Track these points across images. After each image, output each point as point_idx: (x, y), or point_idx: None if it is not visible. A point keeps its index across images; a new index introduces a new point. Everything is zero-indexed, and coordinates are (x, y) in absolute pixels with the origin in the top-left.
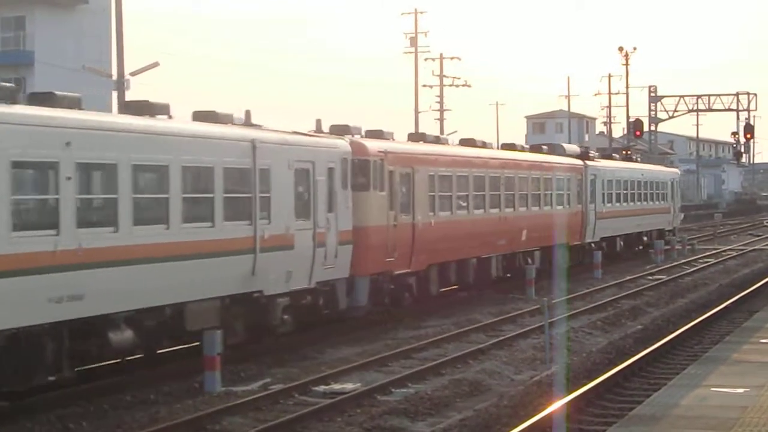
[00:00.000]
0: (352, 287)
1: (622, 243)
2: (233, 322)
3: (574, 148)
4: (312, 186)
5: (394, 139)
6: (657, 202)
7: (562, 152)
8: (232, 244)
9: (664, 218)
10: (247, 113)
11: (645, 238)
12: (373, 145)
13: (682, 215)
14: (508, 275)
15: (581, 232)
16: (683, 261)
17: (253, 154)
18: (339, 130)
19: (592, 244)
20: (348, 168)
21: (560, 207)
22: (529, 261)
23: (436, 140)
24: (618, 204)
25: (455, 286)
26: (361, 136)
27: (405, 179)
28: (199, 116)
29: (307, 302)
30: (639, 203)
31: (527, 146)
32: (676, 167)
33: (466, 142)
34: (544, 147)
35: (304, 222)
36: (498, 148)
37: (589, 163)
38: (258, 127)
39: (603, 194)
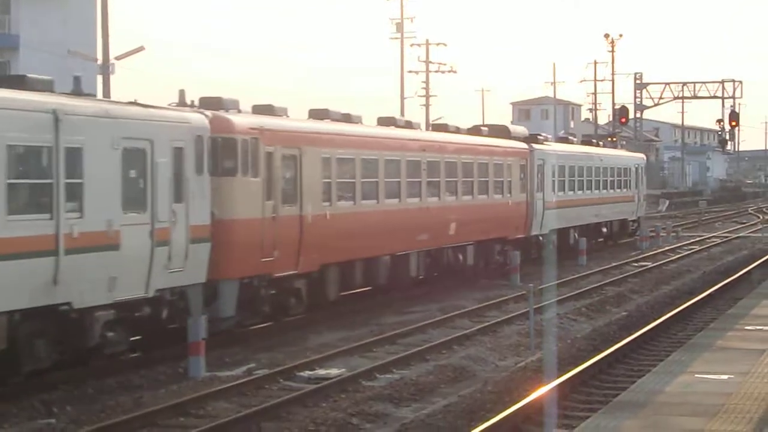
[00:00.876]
0: (214, 295)
1: (576, 235)
2: (30, 343)
3: (520, 130)
4: (150, 170)
5: (288, 116)
6: (618, 190)
7: (507, 134)
8: (21, 245)
9: (627, 207)
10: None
11: (605, 230)
12: (243, 120)
13: (662, 205)
14: (435, 274)
15: (526, 224)
16: (668, 248)
17: (56, 129)
18: (210, 104)
19: (540, 238)
20: (204, 148)
21: (499, 196)
22: (460, 257)
23: (346, 118)
24: (572, 192)
25: (365, 288)
26: (238, 111)
27: (289, 162)
28: None
29: (143, 315)
30: (597, 191)
31: (463, 128)
32: (641, 154)
33: (385, 121)
34: (484, 128)
35: (136, 215)
36: (429, 129)
37: (535, 146)
38: (76, 96)
39: (553, 182)
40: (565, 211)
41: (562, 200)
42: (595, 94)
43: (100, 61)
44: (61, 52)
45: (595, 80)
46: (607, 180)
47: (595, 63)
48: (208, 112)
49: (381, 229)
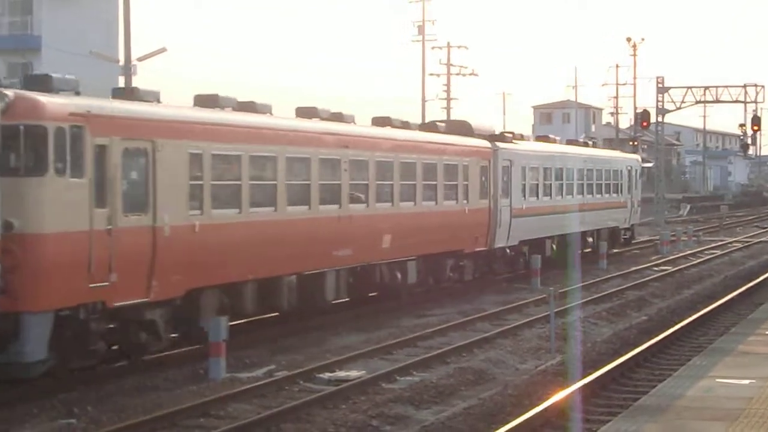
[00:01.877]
0: (15, 331)
1: (554, 246)
2: None
3: (485, 126)
4: None
5: (160, 102)
6: (607, 195)
7: (468, 131)
8: None
9: (618, 214)
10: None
11: (590, 240)
12: (60, 103)
13: (684, 209)
14: (372, 294)
15: (487, 235)
16: (689, 252)
17: None
18: (35, 82)
19: (507, 250)
20: None
21: (452, 202)
22: (398, 275)
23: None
24: (547, 198)
25: (268, 315)
26: (75, 93)
27: (136, 159)
28: None
29: None
30: (581, 197)
31: (415, 123)
32: (635, 155)
33: (304, 113)
34: (441, 124)
35: None
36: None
37: (501, 146)
38: None
39: (523, 186)
40: (539, 219)
41: (535, 207)
42: (616, 97)
43: (121, 63)
44: (83, 53)
45: (617, 84)
46: (593, 184)
47: (617, 67)
48: (11, 92)
49: (282, 243)
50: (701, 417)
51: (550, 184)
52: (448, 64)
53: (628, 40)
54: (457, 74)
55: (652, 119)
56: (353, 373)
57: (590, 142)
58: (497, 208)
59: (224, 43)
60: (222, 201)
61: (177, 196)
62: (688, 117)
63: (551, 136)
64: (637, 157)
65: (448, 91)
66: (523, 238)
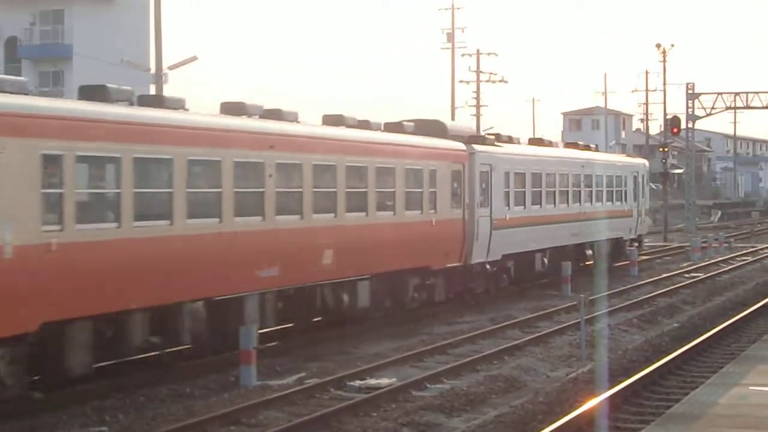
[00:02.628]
0: None
1: (545, 260)
2: None
3: (461, 127)
4: None
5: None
6: (609, 204)
7: (441, 132)
8: None
9: (623, 224)
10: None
11: (589, 252)
12: None
13: (714, 216)
14: (317, 319)
15: (462, 249)
16: (720, 259)
17: None
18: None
19: (488, 266)
20: None
21: (415, 212)
22: (345, 298)
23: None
24: (537, 207)
25: (172, 349)
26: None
27: None
28: None
29: None
30: (577, 205)
31: (377, 122)
32: (642, 159)
33: (230, 109)
34: (409, 123)
35: None
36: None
37: (478, 148)
38: None
39: (507, 193)
40: (527, 231)
41: (521, 217)
42: (646, 104)
43: (153, 71)
44: (114, 62)
45: (647, 90)
46: (591, 191)
47: (647, 73)
48: None
49: (182, 263)
50: (734, 425)
51: (540, 192)
52: (478, 71)
53: (658, 46)
54: (487, 81)
55: (683, 125)
56: (384, 381)
57: (593, 146)
58: (474, 219)
59: (256, 50)
60: (93, 214)
61: (23, 208)
62: (719, 123)
63: (547, 138)
64: (643, 161)
65: (477, 98)
66: (507, 251)
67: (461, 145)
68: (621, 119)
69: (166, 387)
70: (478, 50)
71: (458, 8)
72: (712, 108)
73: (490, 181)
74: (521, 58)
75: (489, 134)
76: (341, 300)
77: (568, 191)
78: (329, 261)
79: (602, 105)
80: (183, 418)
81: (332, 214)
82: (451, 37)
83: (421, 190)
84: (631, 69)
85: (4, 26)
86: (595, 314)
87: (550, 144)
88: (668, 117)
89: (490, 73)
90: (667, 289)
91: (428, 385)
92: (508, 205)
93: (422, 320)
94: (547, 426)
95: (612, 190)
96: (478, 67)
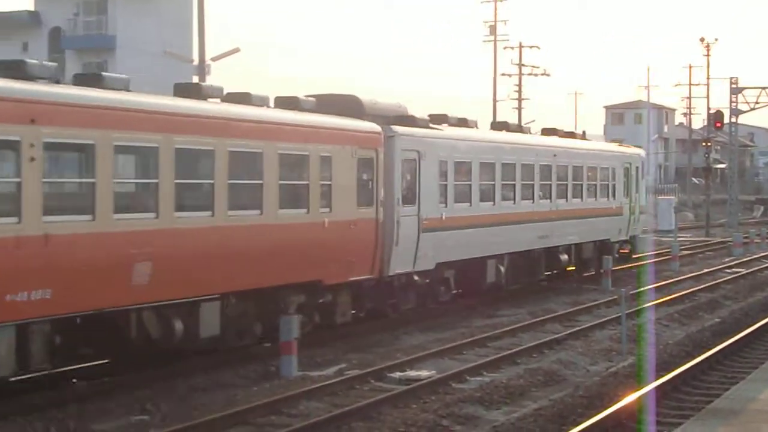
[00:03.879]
0: None
1: (502, 268)
2: None
3: (386, 105)
4: None
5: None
6: (592, 200)
7: (354, 111)
8: None
9: (609, 224)
10: None
11: (564, 257)
12: None
13: (757, 211)
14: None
15: (375, 258)
16: (762, 254)
17: None
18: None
19: (416, 277)
20: None
21: (298, 211)
22: (177, 326)
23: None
24: (488, 204)
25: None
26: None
27: None
28: None
29: None
30: (546, 202)
31: (260, 97)
32: (638, 148)
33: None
34: (310, 99)
35: None
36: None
37: (400, 131)
38: None
39: (443, 187)
40: (473, 233)
41: (465, 217)
42: (689, 98)
43: (196, 62)
44: (157, 53)
45: (690, 84)
46: (567, 185)
47: (690, 67)
48: None
49: None
50: None
51: (494, 186)
52: (520, 64)
53: (702, 40)
54: (529, 74)
55: (726, 120)
56: (424, 373)
57: (579, 133)
58: (393, 220)
59: (301, 42)
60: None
61: None
62: (763, 118)
63: (513, 122)
64: (639, 150)
65: (519, 92)
66: (444, 259)
67: (374, 127)
68: (664, 113)
69: (206, 377)
70: (520, 43)
71: (501, 1)
72: (756, 102)
73: (418, 172)
74: (564, 52)
75: (437, 115)
76: (171, 328)
77: (533, 185)
78: (144, 279)
79: (645, 99)
80: (224, 407)
81: (153, 215)
82: (493, 29)
83: (305, 182)
84: (675, 63)
85: (49, 17)
86: (636, 308)
87: (520, 130)
88: (711, 111)
89: (533, 66)
90: (709, 284)
91: (468, 378)
92: (445, 201)
93: (463, 313)
94: (587, 420)
95: (595, 184)
96: (520, 60)
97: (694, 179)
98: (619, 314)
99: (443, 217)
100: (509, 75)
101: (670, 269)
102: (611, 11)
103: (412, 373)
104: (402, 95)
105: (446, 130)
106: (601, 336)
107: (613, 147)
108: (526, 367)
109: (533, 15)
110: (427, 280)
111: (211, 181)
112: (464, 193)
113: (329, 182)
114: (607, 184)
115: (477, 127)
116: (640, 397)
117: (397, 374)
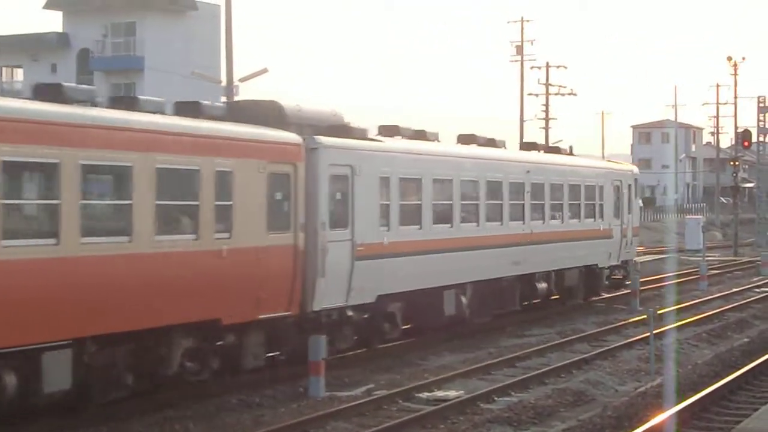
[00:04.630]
0: None
1: (464, 299)
2: None
3: (313, 113)
4: None
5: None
6: (575, 221)
7: (273, 119)
8: None
9: (596, 248)
10: None
11: (542, 285)
12: None
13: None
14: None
15: (293, 291)
16: None
17: None
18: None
19: (350, 312)
20: None
21: (185, 237)
22: (8, 380)
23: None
24: (444, 227)
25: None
26: None
27: None
28: None
29: None
30: (518, 224)
31: (155, 101)
32: (630, 165)
33: None
34: (218, 105)
35: None
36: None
37: (326, 142)
38: None
39: (385, 207)
40: (425, 260)
41: (414, 242)
42: (717, 117)
43: (224, 83)
44: (185, 74)
45: (717, 103)
46: (544, 205)
47: (718, 86)
48: None
49: None
50: None
51: (452, 206)
52: (547, 84)
53: (729, 59)
54: (556, 94)
55: (754, 139)
56: (452, 393)
57: (566, 149)
58: (317, 246)
59: (325, 64)
60: None
61: None
62: None
63: (482, 136)
64: (630, 167)
65: (546, 111)
66: (387, 290)
67: (291, 137)
68: (691, 132)
69: (235, 397)
70: (547, 63)
71: (527, 21)
72: None
73: (352, 190)
74: (591, 71)
75: (386, 126)
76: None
77: (502, 205)
78: None
79: (672, 118)
80: (252, 427)
81: None
82: (520, 49)
83: (194, 202)
84: (702, 82)
85: (77, 38)
86: (665, 328)
87: (493, 144)
88: (739, 130)
89: (560, 86)
90: (737, 303)
91: (496, 398)
92: (388, 224)
93: (491, 333)
94: None
95: (579, 204)
96: (547, 79)
97: (722, 198)
98: (647, 334)
99: (385, 242)
100: (536, 95)
101: (698, 289)
102: (638, 31)
103: (440, 394)
104: (429, 115)
105: (389, 142)
106: (629, 356)
107: (601, 163)
108: (555, 387)
109: (560, 35)
110: (366, 316)
111: (56, 202)
112: (413, 215)
113: (228, 202)
114: (594, 204)
115: (438, 140)
116: (668, 418)
117: (425, 394)
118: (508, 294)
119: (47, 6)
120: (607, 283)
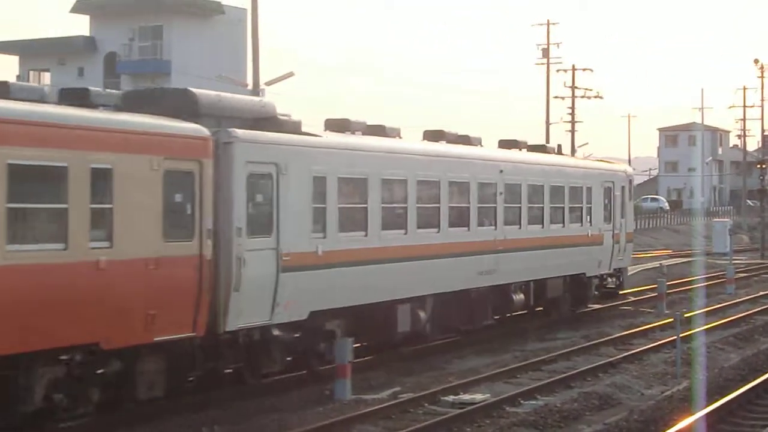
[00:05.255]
0: None
1: (422, 314)
2: None
3: (234, 102)
4: None
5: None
6: (558, 226)
7: (184, 110)
8: None
9: (584, 256)
10: None
11: (519, 297)
12: None
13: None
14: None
15: (198, 310)
16: None
17: None
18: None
19: (277, 332)
20: None
21: (53, 246)
22: None
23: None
24: (397, 232)
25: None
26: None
27: None
28: None
29: None
30: (489, 229)
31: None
32: (623, 165)
33: None
34: (111, 92)
35: None
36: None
37: (242, 135)
38: None
39: (320, 211)
40: (372, 271)
41: (358, 250)
42: (744, 120)
43: (250, 87)
44: (211, 77)
45: (744, 106)
46: (521, 208)
47: (744, 88)
48: None
49: None
50: None
51: (405, 209)
52: (573, 87)
53: (756, 61)
54: (582, 97)
55: None
56: (478, 396)
57: (553, 148)
58: (231, 256)
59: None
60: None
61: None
62: None
63: (453, 132)
64: (623, 167)
65: (572, 114)
66: (323, 305)
67: (197, 129)
68: (718, 135)
69: (261, 400)
70: (573, 66)
71: (553, 23)
72: None
73: (276, 192)
74: (617, 74)
75: (334, 120)
76: None
77: (469, 208)
78: None
79: (699, 121)
80: (278, 430)
81: None
82: (546, 52)
83: (61, 205)
84: (729, 85)
85: (104, 42)
86: (691, 332)
87: (467, 141)
88: (766, 133)
89: (585, 89)
90: (764, 306)
91: (522, 401)
92: (324, 230)
93: (517, 337)
94: None
95: (562, 207)
96: (573, 82)
97: (749, 201)
98: (674, 337)
99: (320, 252)
100: (562, 98)
101: (725, 292)
102: (665, 34)
103: (465, 397)
104: (452, 116)
105: (327, 138)
106: (655, 359)
107: (589, 163)
108: (581, 390)
109: (586, 38)
110: (297, 335)
111: None
112: (357, 220)
113: (108, 205)
114: (580, 208)
115: (399, 137)
116: (695, 422)
117: (451, 398)
118: (479, 307)
119: (74, 10)
120: (596, 293)
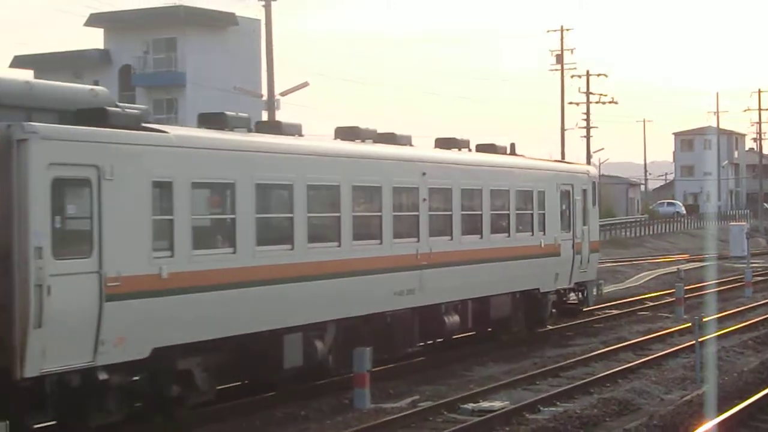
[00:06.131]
0: None
1: (320, 345)
2: None
3: (38, 91)
4: None
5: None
6: (502, 236)
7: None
8: None
9: (538, 269)
10: None
11: (453, 319)
12: None
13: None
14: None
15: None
16: None
17: None
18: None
19: (102, 375)
20: None
21: None
22: None
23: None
24: (281, 248)
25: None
26: None
27: None
28: None
29: None
30: (410, 242)
31: None
32: (585, 165)
33: None
34: None
35: None
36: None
37: (42, 130)
38: None
39: (163, 224)
40: (244, 295)
41: (223, 270)
42: (759, 123)
43: (265, 98)
44: (226, 89)
45: (760, 109)
46: (450, 216)
47: (760, 92)
48: None
49: None
50: None
51: (290, 220)
52: (588, 92)
53: None
54: (597, 102)
55: None
56: (497, 404)
57: (504, 147)
58: (29, 282)
59: (365, 75)
60: None
61: None
62: None
63: (370, 129)
64: (586, 168)
65: (587, 120)
66: (172, 340)
67: None
68: (733, 139)
69: (280, 410)
70: (587, 71)
71: (567, 29)
72: None
73: (99, 201)
74: (632, 79)
75: (207, 115)
76: None
77: (380, 217)
78: None
79: (714, 125)
80: None
81: None
82: (560, 58)
83: None
84: (744, 88)
85: (119, 54)
86: (710, 336)
87: (392, 140)
88: None
89: (600, 95)
90: None
91: (541, 408)
92: (171, 248)
93: (533, 343)
94: None
95: (507, 214)
96: (587, 88)
97: (765, 205)
98: (693, 342)
99: (164, 274)
100: (577, 103)
101: (743, 296)
102: (679, 38)
103: (485, 404)
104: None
105: (174, 132)
106: (674, 364)
107: (543, 164)
108: (600, 396)
109: (600, 43)
110: (137, 378)
111: None
112: (221, 235)
113: None
114: (531, 214)
115: (301, 134)
116: (714, 426)
117: (470, 405)
118: (399, 332)
119: (88, 23)
120: (554, 311)
